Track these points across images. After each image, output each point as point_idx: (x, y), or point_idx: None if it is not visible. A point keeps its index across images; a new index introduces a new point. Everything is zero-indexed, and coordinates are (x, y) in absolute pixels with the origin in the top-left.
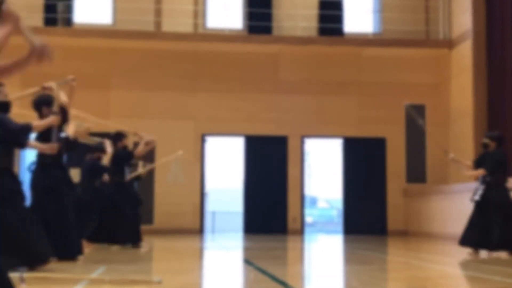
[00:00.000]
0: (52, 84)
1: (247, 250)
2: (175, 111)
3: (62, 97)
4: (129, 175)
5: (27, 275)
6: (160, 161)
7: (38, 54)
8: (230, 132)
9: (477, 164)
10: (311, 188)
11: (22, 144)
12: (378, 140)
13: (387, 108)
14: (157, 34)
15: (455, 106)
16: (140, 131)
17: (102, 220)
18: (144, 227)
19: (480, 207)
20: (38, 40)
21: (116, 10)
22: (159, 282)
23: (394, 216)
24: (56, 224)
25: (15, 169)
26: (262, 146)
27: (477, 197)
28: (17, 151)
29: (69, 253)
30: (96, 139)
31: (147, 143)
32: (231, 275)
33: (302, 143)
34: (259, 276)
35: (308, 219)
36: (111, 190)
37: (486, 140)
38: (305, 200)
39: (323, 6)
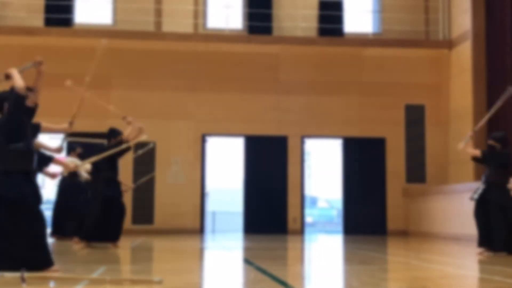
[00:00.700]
0: (12, 70)
1: (247, 250)
2: (175, 111)
3: (18, 82)
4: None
5: (27, 275)
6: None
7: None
8: (230, 132)
9: (483, 156)
10: (311, 188)
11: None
12: (378, 140)
13: (387, 108)
14: (157, 34)
15: (455, 106)
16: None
17: (99, 218)
18: (144, 227)
19: (480, 206)
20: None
21: (116, 10)
22: (160, 282)
23: (394, 216)
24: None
25: None
26: (262, 146)
27: (476, 196)
28: None
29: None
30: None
31: (135, 129)
32: (231, 275)
33: (302, 143)
34: (259, 276)
35: (308, 219)
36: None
37: (491, 142)
38: (305, 200)
39: (323, 6)
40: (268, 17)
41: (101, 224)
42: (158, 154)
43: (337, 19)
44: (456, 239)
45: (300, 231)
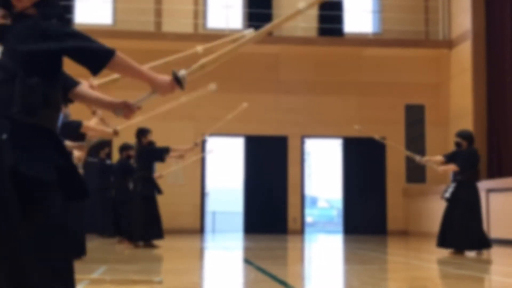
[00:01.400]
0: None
1: (247, 250)
2: (175, 111)
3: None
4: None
5: None
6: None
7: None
8: (230, 132)
9: (449, 159)
10: (311, 188)
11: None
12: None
13: (387, 108)
14: (157, 34)
15: (455, 106)
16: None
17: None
18: None
19: (451, 204)
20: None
21: (116, 10)
22: (160, 282)
23: (394, 216)
24: None
25: None
26: (262, 146)
27: (447, 195)
28: None
29: None
30: None
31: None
32: (232, 275)
33: (302, 143)
34: (259, 276)
35: (308, 219)
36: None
37: (457, 139)
38: (305, 200)
39: (323, 6)
40: (268, 17)
41: (147, 223)
42: None
43: (337, 19)
44: None
45: (300, 231)
